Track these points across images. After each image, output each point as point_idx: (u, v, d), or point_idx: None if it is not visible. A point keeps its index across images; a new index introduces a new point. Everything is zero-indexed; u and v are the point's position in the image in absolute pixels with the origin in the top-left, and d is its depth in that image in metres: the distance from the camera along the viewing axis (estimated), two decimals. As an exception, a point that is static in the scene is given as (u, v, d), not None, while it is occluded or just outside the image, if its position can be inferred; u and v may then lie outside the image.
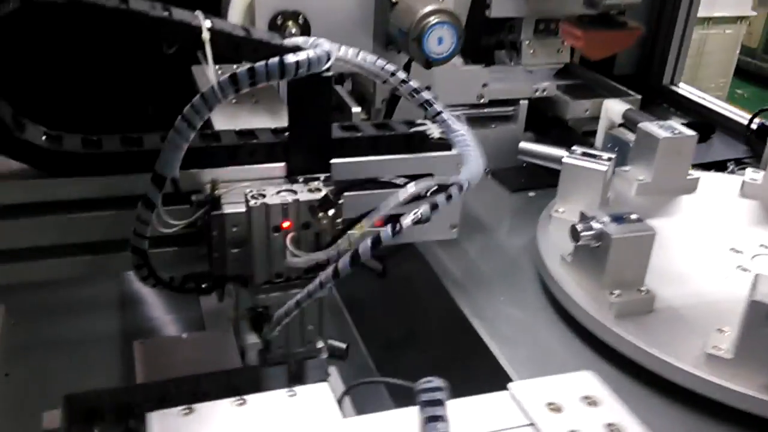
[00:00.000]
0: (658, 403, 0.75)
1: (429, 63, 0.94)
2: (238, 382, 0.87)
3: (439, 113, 0.75)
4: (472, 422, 0.52)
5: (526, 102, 1.25)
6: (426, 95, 0.73)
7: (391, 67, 0.73)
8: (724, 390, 0.71)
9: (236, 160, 0.74)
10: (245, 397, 0.54)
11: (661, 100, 1.54)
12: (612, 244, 0.80)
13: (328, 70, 0.65)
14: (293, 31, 0.96)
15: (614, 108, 1.19)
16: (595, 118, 1.23)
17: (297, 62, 0.60)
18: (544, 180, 1.13)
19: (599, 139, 1.22)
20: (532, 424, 0.52)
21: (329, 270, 0.60)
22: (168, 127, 0.62)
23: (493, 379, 0.81)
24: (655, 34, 1.57)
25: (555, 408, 0.53)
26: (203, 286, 0.74)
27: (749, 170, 1.15)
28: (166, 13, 0.68)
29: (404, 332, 1.11)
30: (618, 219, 0.82)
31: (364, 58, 0.72)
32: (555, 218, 0.98)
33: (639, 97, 1.29)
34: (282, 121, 0.93)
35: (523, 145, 1.00)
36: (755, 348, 0.70)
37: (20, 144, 0.67)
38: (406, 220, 0.58)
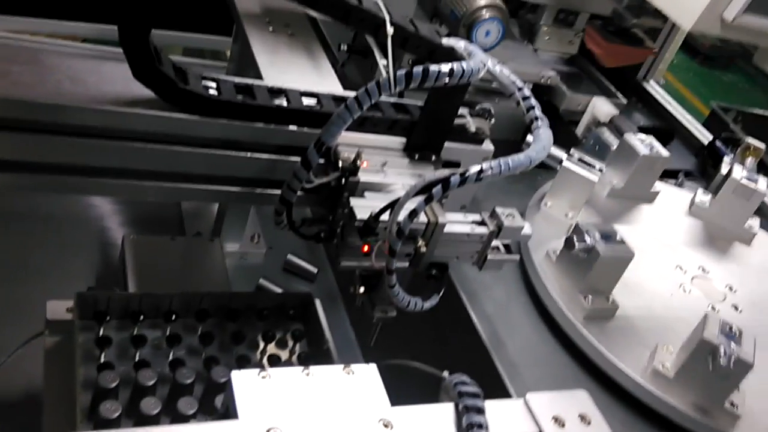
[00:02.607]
0: (605, 400, 0.89)
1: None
2: (235, 305, 0.95)
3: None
4: (492, 424, 0.61)
5: (530, 86, 1.32)
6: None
7: (519, 83, 0.85)
8: (662, 402, 0.86)
9: (362, 128, 0.81)
10: (311, 368, 0.63)
11: (630, 94, 1.63)
12: (599, 259, 0.92)
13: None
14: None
15: (602, 108, 1.29)
16: (584, 112, 1.33)
17: (463, 70, 0.69)
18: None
19: (580, 131, 1.32)
20: (541, 434, 0.63)
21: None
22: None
23: (469, 350, 0.93)
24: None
25: (559, 422, 0.65)
26: (321, 235, 0.80)
27: (700, 192, 1.29)
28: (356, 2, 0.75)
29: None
30: (606, 237, 0.94)
31: (501, 70, 0.84)
32: (543, 210, 1.09)
33: (624, 101, 1.39)
34: (316, 57, 0.97)
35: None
36: (693, 373, 0.85)
37: (185, 95, 0.71)
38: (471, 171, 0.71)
